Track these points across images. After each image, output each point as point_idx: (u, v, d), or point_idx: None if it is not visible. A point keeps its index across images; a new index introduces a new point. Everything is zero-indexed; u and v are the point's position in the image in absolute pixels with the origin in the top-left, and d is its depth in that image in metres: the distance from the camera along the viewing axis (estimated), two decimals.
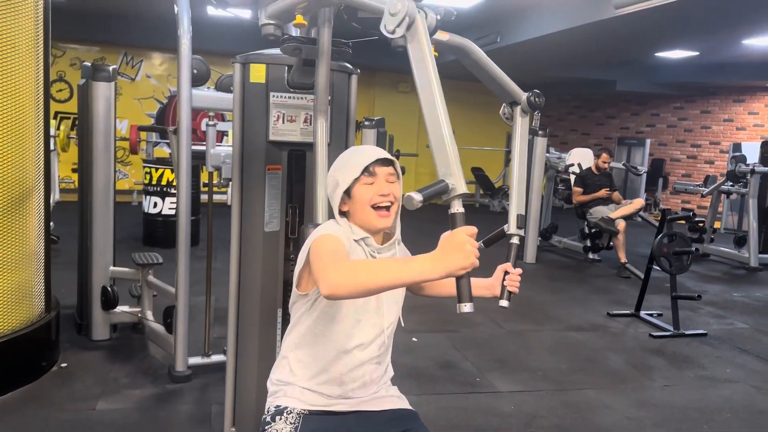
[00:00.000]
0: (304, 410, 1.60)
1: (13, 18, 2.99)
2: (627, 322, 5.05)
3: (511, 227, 1.78)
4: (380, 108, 13.22)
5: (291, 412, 1.59)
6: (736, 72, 10.64)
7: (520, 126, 1.89)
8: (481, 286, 1.72)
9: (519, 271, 1.68)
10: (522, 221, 1.80)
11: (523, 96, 1.85)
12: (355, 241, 1.59)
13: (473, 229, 1.26)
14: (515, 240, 1.77)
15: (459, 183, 1.33)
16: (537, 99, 1.85)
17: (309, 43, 2.09)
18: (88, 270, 3.98)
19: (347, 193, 1.57)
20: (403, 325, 1.72)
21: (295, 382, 1.63)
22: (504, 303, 1.67)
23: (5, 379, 3.15)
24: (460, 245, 1.22)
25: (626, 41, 8.72)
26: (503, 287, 1.67)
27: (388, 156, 1.59)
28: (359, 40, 2.27)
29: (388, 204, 1.57)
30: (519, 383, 3.67)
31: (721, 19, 7.17)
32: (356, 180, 1.54)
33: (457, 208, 1.33)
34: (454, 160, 1.35)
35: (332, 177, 1.61)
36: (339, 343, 1.60)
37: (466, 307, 1.29)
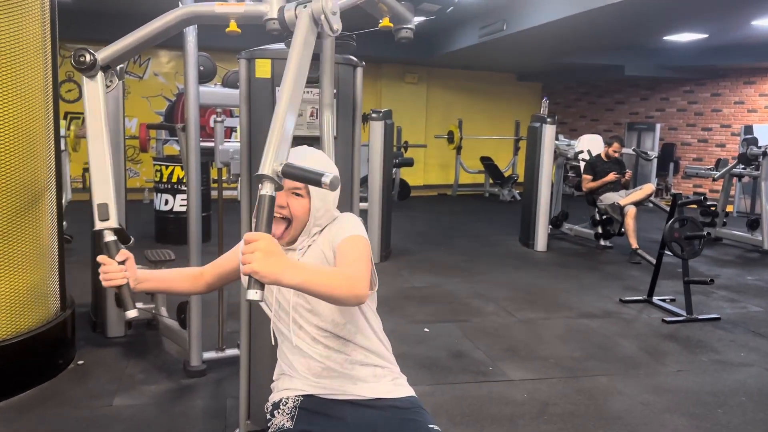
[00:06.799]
0: (299, 397, 1.64)
1: (20, 20, 3.02)
2: (639, 308, 5.03)
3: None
4: (387, 99, 13.19)
5: (286, 403, 1.64)
6: (746, 53, 10.50)
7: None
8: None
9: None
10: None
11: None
12: None
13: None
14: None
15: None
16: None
17: None
18: None
19: None
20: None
21: (283, 375, 1.71)
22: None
23: (23, 377, 3.20)
24: None
25: (633, 25, 8.63)
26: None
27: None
28: (363, 32, 2.26)
29: (281, 217, 1.54)
30: (531, 371, 3.67)
31: (728, 1, 7.08)
32: None
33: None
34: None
35: None
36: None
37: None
